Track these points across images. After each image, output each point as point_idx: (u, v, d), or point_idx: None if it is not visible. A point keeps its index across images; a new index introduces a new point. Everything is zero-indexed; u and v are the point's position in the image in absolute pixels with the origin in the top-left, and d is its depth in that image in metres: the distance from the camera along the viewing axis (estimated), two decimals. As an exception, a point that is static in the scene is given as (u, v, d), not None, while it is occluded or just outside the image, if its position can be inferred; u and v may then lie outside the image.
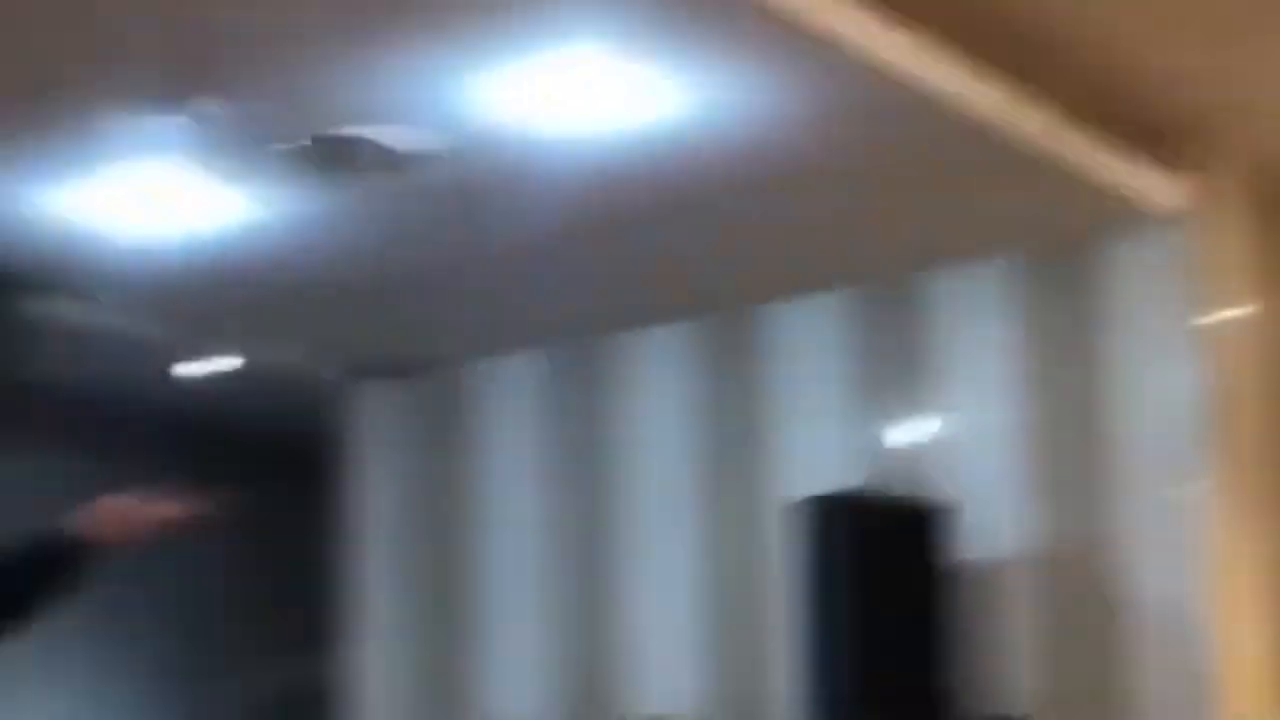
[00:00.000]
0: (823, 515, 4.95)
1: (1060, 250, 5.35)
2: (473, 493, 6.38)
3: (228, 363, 6.50)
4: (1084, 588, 5.20)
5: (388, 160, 4.36)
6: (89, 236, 4.98)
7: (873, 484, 5.25)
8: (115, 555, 3.49)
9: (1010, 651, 5.20)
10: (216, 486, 3.73)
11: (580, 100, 4.22)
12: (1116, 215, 5.11)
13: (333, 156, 4.33)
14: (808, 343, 5.74)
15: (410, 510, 6.54)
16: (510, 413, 6.34)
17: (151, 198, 4.65)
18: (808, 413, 5.68)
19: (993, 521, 5.25)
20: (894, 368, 5.62)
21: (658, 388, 6.04)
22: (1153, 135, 4.99)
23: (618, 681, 5.96)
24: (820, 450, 5.60)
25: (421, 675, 6.44)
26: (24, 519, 6.28)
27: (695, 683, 5.77)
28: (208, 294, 5.52)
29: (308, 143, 4.27)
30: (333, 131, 4.24)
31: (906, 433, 5.59)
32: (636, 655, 5.94)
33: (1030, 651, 5.21)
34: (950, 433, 5.51)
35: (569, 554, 6.15)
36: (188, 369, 6.52)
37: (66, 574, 3.39)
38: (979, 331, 5.46)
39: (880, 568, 4.99)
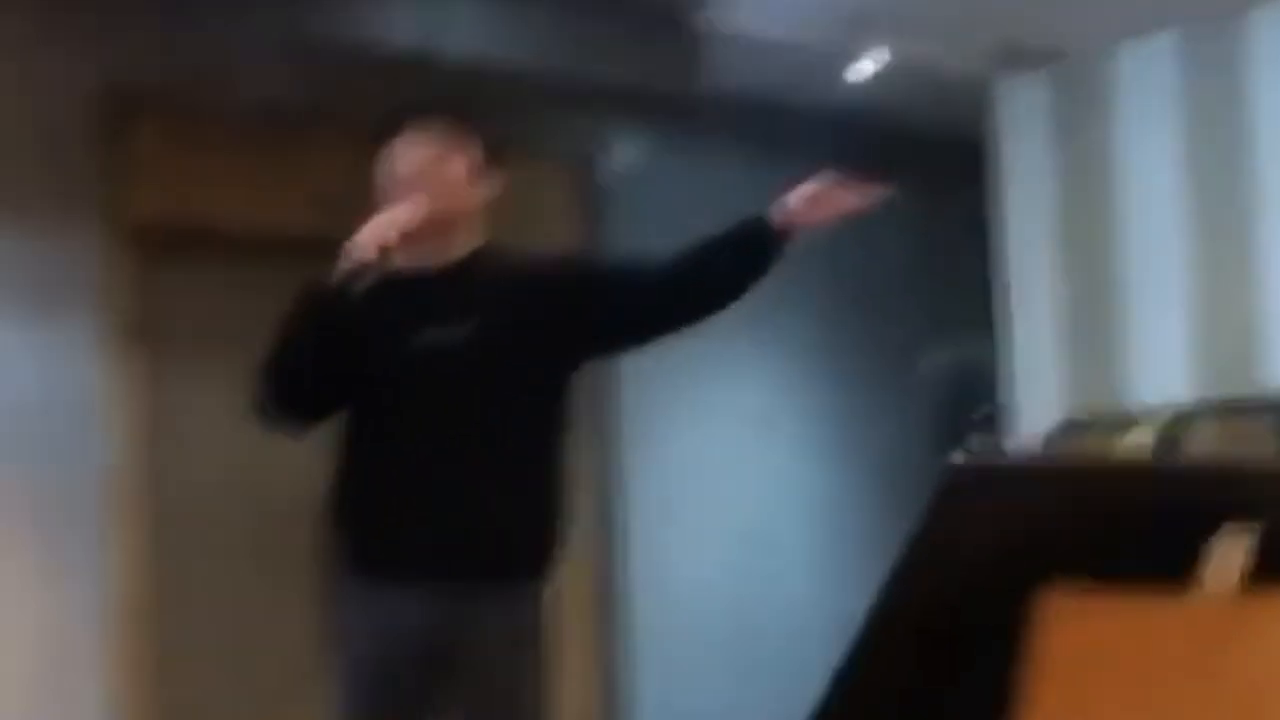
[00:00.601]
0: None
1: None
2: (1112, 178, 6.48)
3: (881, 60, 6.83)
4: None
5: None
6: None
7: None
8: (802, 238, 3.98)
9: None
10: (883, 178, 4.11)
11: None
12: None
13: None
14: None
15: (1054, 196, 6.72)
16: (1148, 97, 6.37)
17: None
18: None
19: None
20: None
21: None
22: None
23: (1259, 363, 6.07)
24: None
25: (1068, 354, 6.70)
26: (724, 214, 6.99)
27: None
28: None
29: None
30: None
31: None
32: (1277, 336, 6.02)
33: None
34: None
35: (1209, 238, 6.21)
36: (846, 69, 6.90)
37: (764, 255, 3.91)
38: None
39: None
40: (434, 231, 3.62)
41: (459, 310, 3.59)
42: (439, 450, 3.51)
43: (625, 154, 7.40)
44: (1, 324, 5.75)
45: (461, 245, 3.69)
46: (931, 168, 7.36)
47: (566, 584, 6.91)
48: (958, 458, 6.05)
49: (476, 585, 3.53)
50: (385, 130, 3.67)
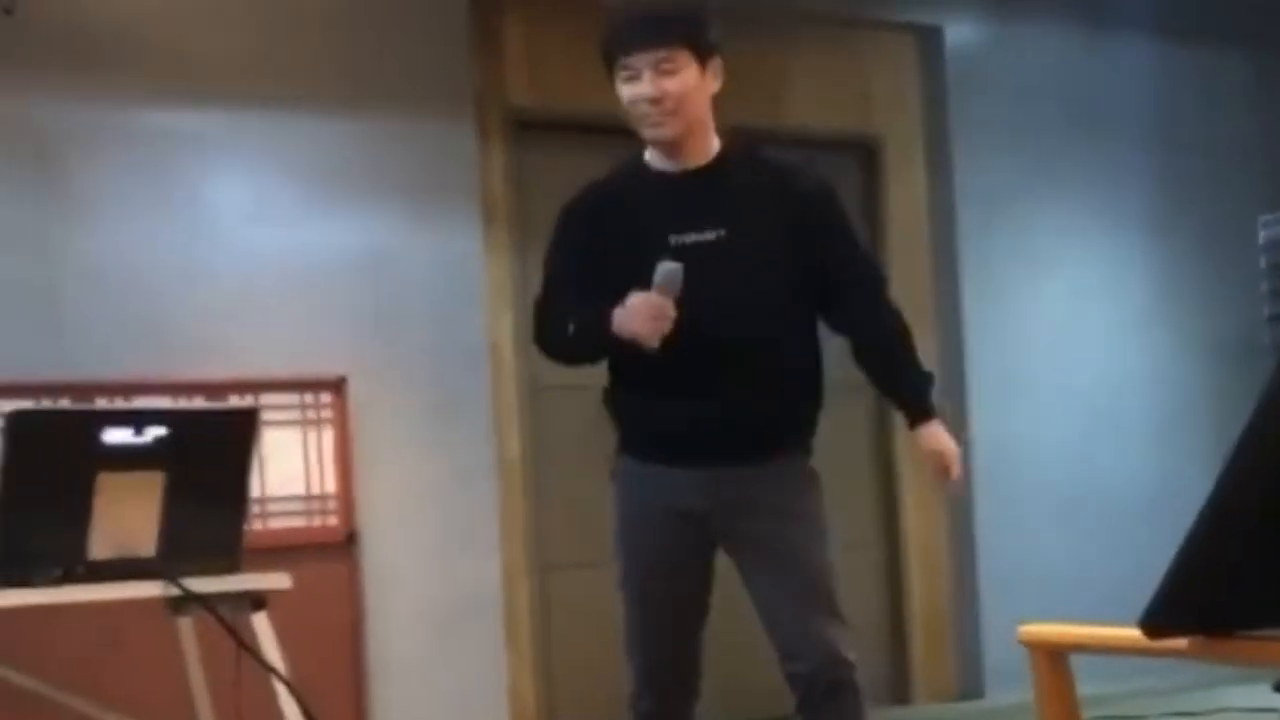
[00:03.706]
0: None
1: None
2: None
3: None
4: None
5: None
6: None
7: None
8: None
9: None
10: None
11: None
12: None
13: None
14: None
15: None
16: None
17: None
18: None
19: None
20: None
21: None
22: None
23: None
24: None
25: None
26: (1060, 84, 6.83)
27: None
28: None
29: None
30: None
31: None
32: None
33: None
34: None
35: None
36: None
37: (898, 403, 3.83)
38: None
39: None
40: (678, 147, 3.67)
41: (711, 212, 3.61)
42: (695, 344, 3.55)
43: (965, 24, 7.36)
44: (395, 202, 6.05)
45: (704, 148, 3.71)
46: (1268, 34, 7.15)
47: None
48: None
49: (731, 467, 3.62)
50: (607, 50, 3.64)
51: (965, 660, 7.15)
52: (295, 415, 5.76)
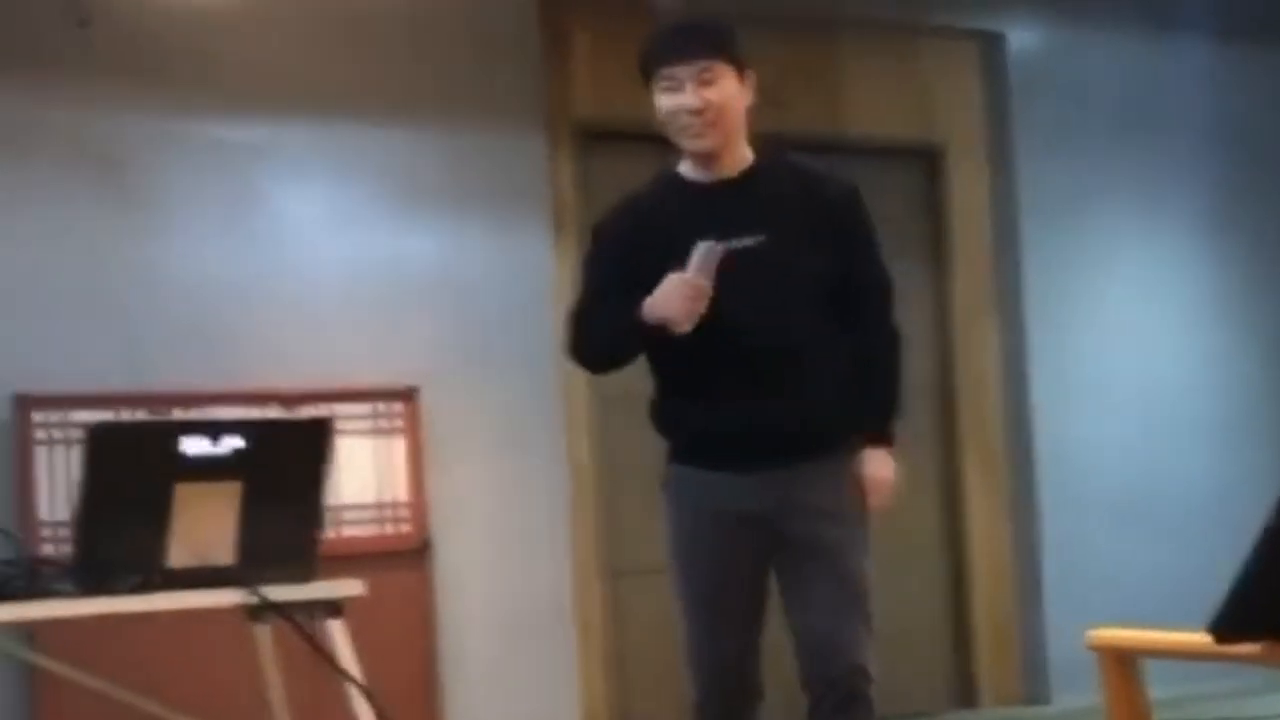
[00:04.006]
0: None
1: None
2: None
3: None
4: None
5: None
6: None
7: None
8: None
9: None
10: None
11: None
12: None
13: None
14: None
15: None
16: None
17: None
18: None
19: None
20: None
21: None
22: None
23: None
24: None
25: None
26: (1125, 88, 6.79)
27: None
28: None
29: None
30: None
31: None
32: None
33: None
34: None
35: None
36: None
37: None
38: None
39: None
40: (715, 158, 3.70)
41: (747, 221, 3.63)
42: (733, 350, 3.61)
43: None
44: (466, 213, 6.10)
45: (739, 158, 3.74)
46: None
47: (977, 451, 7.10)
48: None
49: (779, 469, 3.65)
50: (645, 72, 3.68)
51: (1031, 664, 7.12)
52: (368, 425, 5.80)
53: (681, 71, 3.63)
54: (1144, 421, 7.39)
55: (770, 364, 3.64)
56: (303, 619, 3.77)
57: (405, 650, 5.74)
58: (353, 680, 3.76)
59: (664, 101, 3.66)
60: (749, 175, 3.73)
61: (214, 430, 3.73)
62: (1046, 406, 7.19)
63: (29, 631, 4.85)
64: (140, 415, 5.34)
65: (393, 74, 6.02)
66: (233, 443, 3.69)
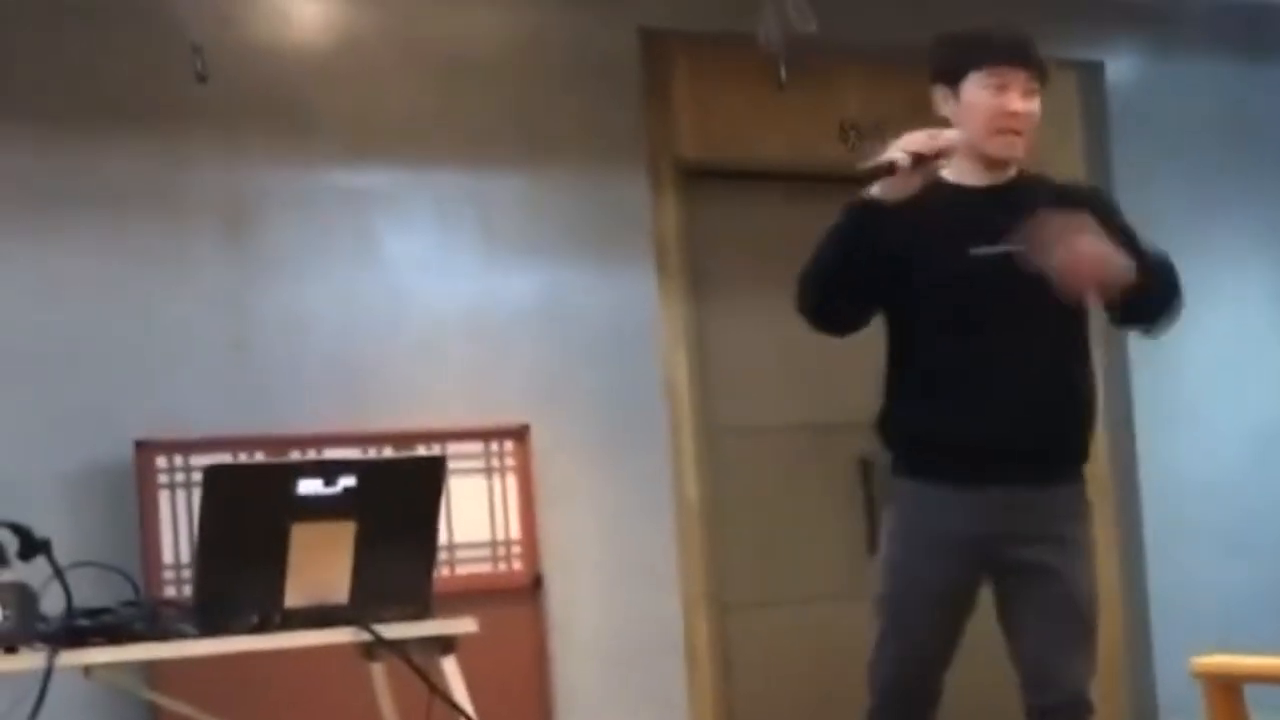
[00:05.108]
0: None
1: None
2: None
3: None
4: None
5: None
6: None
7: None
8: None
9: None
10: None
11: None
12: None
13: None
14: None
15: None
16: None
17: None
18: None
19: None
20: None
21: None
22: None
23: None
24: None
25: None
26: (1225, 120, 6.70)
27: None
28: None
29: None
30: None
31: None
32: None
33: None
34: None
35: None
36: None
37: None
38: None
39: None
40: (1001, 166, 3.66)
41: (1007, 228, 3.56)
42: (987, 359, 3.55)
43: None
44: (572, 253, 6.12)
45: (1010, 169, 3.72)
46: None
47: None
48: None
49: (1014, 491, 3.57)
50: (963, 65, 3.64)
51: (1138, 693, 7.01)
52: (479, 464, 5.82)
53: (1014, 76, 3.62)
54: (1250, 450, 7.27)
55: (1017, 378, 3.57)
56: (417, 656, 3.79)
57: (517, 686, 5.74)
58: (467, 716, 3.77)
59: (987, 99, 3.62)
60: (1013, 185, 3.71)
61: (328, 470, 3.76)
62: (1152, 437, 7.09)
63: (147, 671, 4.89)
64: (258, 457, 5.39)
65: (500, 120, 6.06)
66: (346, 482, 3.72)
